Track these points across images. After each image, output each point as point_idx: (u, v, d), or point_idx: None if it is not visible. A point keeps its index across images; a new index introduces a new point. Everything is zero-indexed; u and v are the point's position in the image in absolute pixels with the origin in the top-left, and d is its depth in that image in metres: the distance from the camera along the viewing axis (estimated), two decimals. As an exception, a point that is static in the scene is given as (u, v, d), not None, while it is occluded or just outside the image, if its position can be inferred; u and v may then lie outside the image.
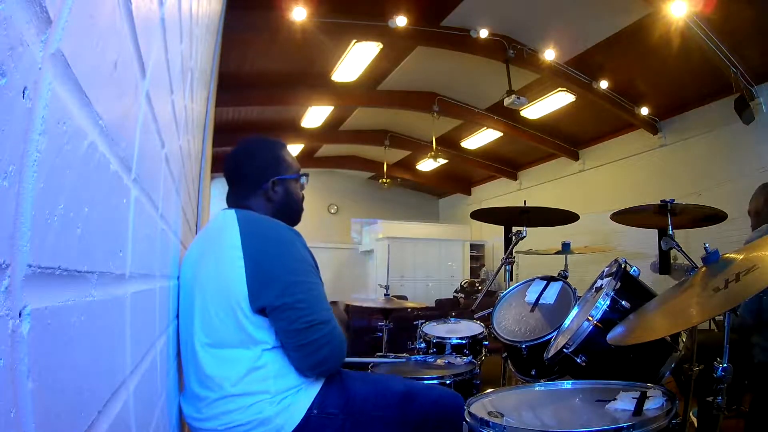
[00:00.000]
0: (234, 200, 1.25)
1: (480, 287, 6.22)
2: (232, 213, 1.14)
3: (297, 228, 1.19)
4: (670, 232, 1.71)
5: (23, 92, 0.29)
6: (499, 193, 9.08)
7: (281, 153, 1.30)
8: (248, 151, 1.29)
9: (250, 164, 1.26)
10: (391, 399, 1.17)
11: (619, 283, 1.36)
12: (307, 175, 1.32)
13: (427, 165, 8.58)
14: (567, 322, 1.55)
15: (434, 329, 2.28)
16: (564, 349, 1.33)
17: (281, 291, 1.04)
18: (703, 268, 1.21)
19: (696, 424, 1.72)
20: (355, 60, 5.10)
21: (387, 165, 8.40)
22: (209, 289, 1.07)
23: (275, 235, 1.12)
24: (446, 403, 1.21)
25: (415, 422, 1.17)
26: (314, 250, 1.16)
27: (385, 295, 2.62)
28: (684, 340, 1.32)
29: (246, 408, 1.04)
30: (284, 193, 1.26)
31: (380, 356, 1.93)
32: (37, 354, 0.32)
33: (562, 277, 1.99)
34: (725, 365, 1.06)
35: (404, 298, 6.05)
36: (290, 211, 1.28)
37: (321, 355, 1.07)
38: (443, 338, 2.11)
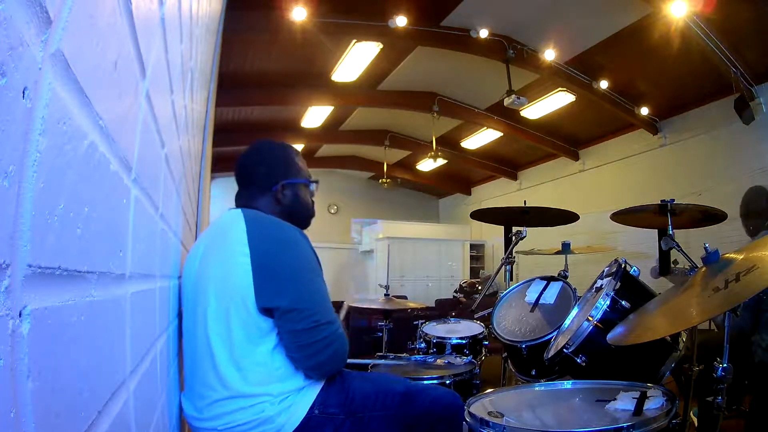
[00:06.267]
0: (243, 200, 1.26)
1: (480, 287, 6.21)
2: (238, 212, 1.15)
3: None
4: (670, 232, 1.71)
5: (23, 92, 0.29)
6: (499, 193, 9.07)
7: (293, 157, 1.31)
8: (260, 153, 1.29)
9: (261, 166, 1.27)
10: (391, 398, 1.17)
11: (619, 283, 1.36)
12: (317, 182, 1.33)
13: (427, 165, 8.57)
14: (567, 322, 1.55)
15: (434, 329, 2.28)
16: (564, 349, 1.33)
17: (292, 296, 1.05)
18: (703, 268, 1.21)
19: (696, 424, 1.72)
20: (355, 60, 5.09)
21: (387, 165, 8.40)
22: (215, 287, 1.07)
23: (282, 235, 1.12)
24: (445, 403, 1.22)
25: (415, 421, 1.17)
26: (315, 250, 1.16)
27: (385, 295, 2.62)
28: (684, 340, 1.32)
29: (247, 408, 1.04)
30: (293, 197, 1.27)
31: (380, 356, 1.93)
32: (37, 354, 0.32)
33: (562, 277, 1.99)
34: (725, 365, 1.06)
35: (404, 298, 6.03)
36: (299, 216, 1.28)
37: (325, 355, 1.07)
38: (443, 338, 2.11)
